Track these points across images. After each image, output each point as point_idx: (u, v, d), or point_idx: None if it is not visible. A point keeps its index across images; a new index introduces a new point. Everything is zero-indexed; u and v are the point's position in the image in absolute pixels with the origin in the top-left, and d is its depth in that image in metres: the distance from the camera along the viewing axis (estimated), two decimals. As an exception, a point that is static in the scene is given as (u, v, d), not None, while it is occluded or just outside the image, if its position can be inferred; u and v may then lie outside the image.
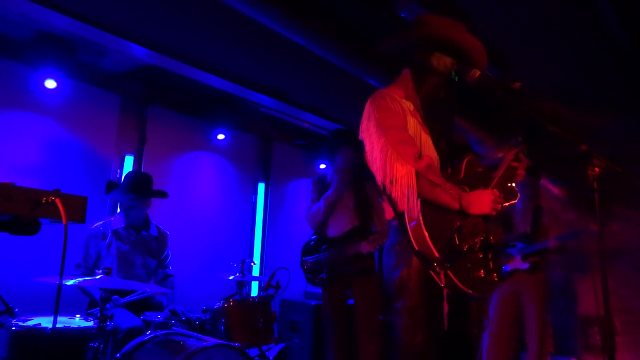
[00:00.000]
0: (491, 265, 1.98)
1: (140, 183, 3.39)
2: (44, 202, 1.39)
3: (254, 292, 4.96)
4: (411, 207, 1.90)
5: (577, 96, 3.95)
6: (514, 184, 2.17)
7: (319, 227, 3.71)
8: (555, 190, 4.99)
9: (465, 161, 2.15)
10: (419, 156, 1.97)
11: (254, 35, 3.32)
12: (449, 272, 1.83)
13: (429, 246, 1.84)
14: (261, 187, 5.28)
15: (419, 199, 1.91)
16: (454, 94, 2.18)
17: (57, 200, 1.39)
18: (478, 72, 2.01)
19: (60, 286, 1.45)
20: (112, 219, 3.48)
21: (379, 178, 2.00)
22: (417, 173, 1.92)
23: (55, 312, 1.52)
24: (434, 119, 2.15)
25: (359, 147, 3.70)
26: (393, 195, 1.94)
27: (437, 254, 1.83)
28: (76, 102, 3.88)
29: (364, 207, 3.65)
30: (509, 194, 2.12)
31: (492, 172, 2.17)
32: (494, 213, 1.97)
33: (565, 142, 2.13)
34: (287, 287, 3.42)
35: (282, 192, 5.47)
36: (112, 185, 3.42)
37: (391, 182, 1.94)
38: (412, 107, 2.13)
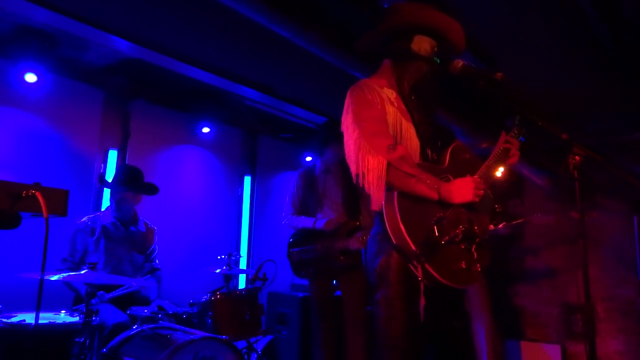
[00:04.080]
0: (475, 256, 1.92)
1: (132, 175, 3.40)
2: (24, 195, 1.37)
3: (241, 285, 4.96)
4: (382, 198, 1.87)
5: (560, 89, 3.99)
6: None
7: (304, 210, 3.72)
8: (538, 180, 5.04)
9: (450, 149, 2.11)
10: (393, 147, 1.93)
11: (239, 28, 3.30)
12: (426, 266, 1.80)
13: (406, 240, 1.81)
14: (247, 180, 5.27)
15: (394, 192, 1.88)
16: (437, 79, 2.15)
17: (38, 194, 1.38)
18: (461, 63, 2.01)
19: (42, 281, 1.44)
20: (101, 213, 3.46)
21: (352, 170, 1.98)
22: (389, 164, 1.89)
23: (38, 308, 1.51)
24: (419, 105, 2.12)
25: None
26: (365, 187, 1.91)
27: (413, 248, 1.80)
28: (58, 96, 3.83)
29: (352, 201, 3.65)
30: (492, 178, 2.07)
31: (482, 159, 2.13)
32: (477, 200, 1.92)
33: (547, 132, 2.16)
34: (274, 279, 3.43)
35: (268, 185, 5.47)
36: (104, 178, 3.44)
37: (363, 175, 1.91)
38: (393, 96, 2.10)
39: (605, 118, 4.55)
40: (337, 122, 3.92)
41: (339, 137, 3.61)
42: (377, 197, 1.90)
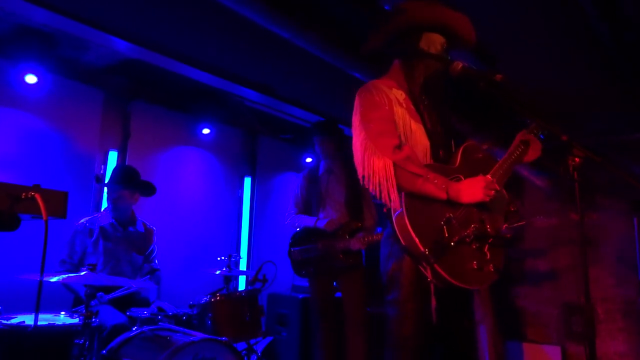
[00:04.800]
0: (488, 256, 1.91)
1: (128, 174, 3.41)
2: (23, 197, 1.37)
3: (241, 286, 4.96)
4: (390, 200, 1.87)
5: (560, 88, 3.99)
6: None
7: (307, 210, 3.74)
8: (538, 181, 5.04)
9: (461, 149, 2.09)
10: (399, 147, 1.92)
11: (238, 28, 3.29)
12: (436, 267, 1.79)
13: (414, 241, 1.80)
14: (247, 181, 5.26)
15: (402, 192, 1.87)
16: (448, 78, 2.10)
17: (37, 196, 1.37)
18: (460, 65, 2.00)
19: (42, 283, 1.44)
20: (99, 215, 3.47)
21: (359, 172, 1.97)
22: (394, 165, 1.88)
23: (37, 310, 1.50)
24: (430, 105, 2.11)
25: (336, 135, 3.77)
26: (371, 189, 1.91)
27: (422, 249, 1.79)
28: (58, 97, 3.83)
29: (355, 201, 3.65)
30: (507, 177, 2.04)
31: (496, 158, 2.12)
32: (487, 199, 1.91)
33: (547, 133, 2.15)
34: (274, 280, 3.43)
35: (268, 186, 5.46)
36: (102, 178, 3.44)
37: (369, 176, 1.90)
38: (402, 97, 2.09)
39: (605, 118, 4.54)
40: (321, 121, 3.99)
41: (320, 133, 3.69)
42: (383, 198, 1.89)
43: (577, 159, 1.88)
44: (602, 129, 4.70)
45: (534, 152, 2.15)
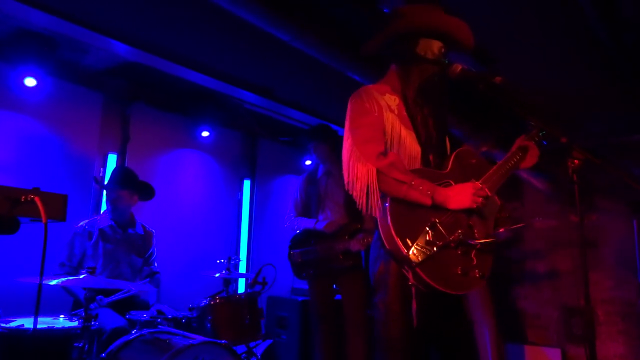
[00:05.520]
0: (474, 262, 1.90)
1: (126, 175, 3.43)
2: (23, 200, 1.37)
3: (241, 289, 4.95)
4: (371, 206, 1.88)
5: (559, 89, 4.00)
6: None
7: (307, 213, 3.75)
8: (537, 183, 5.04)
9: (454, 154, 2.08)
10: (384, 154, 1.93)
11: (238, 31, 3.30)
12: (418, 270, 1.78)
13: (397, 244, 1.80)
14: (247, 184, 5.26)
15: (388, 198, 1.88)
16: (446, 82, 2.11)
17: (37, 199, 1.37)
18: (460, 67, 2.00)
19: (41, 286, 1.44)
20: (98, 217, 3.47)
21: (344, 178, 1.98)
22: (378, 172, 1.89)
23: (36, 313, 1.50)
24: (425, 109, 2.09)
25: (330, 139, 3.79)
26: (354, 195, 1.92)
27: (404, 252, 1.78)
28: (57, 100, 3.83)
29: (354, 203, 3.65)
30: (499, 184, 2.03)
31: (491, 164, 2.10)
32: (475, 206, 1.90)
33: (547, 136, 2.15)
34: (274, 283, 3.43)
35: (268, 188, 5.46)
36: (101, 181, 3.51)
37: (353, 182, 1.92)
38: (396, 102, 2.08)
39: (605, 118, 4.55)
40: (317, 126, 4.03)
41: (315, 138, 3.72)
42: (365, 204, 1.90)
43: (576, 161, 1.88)
44: (602, 129, 4.70)
45: (531, 159, 2.14)
